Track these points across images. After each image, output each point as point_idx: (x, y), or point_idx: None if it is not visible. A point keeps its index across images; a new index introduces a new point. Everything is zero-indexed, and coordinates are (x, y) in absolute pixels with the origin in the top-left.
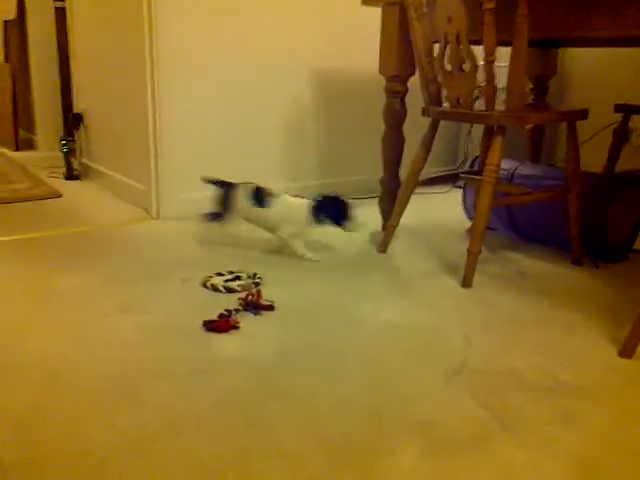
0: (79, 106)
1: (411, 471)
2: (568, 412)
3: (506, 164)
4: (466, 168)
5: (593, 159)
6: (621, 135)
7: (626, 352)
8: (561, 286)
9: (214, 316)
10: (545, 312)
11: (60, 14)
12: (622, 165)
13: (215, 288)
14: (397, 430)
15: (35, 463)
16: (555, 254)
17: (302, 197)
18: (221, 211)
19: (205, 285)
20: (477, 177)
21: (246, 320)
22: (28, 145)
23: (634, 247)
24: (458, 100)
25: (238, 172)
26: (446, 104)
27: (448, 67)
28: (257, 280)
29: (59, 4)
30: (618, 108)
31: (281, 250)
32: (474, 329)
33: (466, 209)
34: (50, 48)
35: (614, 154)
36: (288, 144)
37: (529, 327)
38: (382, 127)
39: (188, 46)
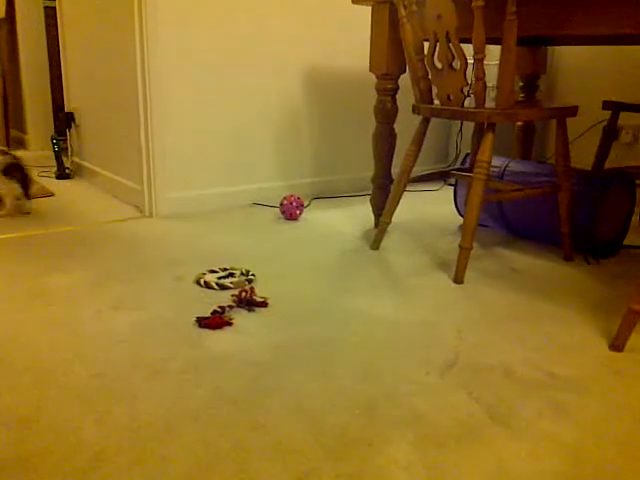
0: (70, 105)
1: (404, 464)
2: (559, 405)
3: (497, 161)
4: (457, 165)
5: (583, 156)
6: (610, 132)
7: (616, 346)
8: (552, 282)
9: (207, 313)
10: (536, 307)
11: (50, 13)
12: (611, 162)
13: (208, 285)
14: (390, 423)
15: (29, 460)
16: (546, 250)
17: None
18: None
19: (198, 282)
20: (468, 174)
21: (239, 316)
22: (19, 144)
23: (624, 243)
24: (448, 98)
25: (230, 170)
26: (437, 102)
27: (438, 65)
28: (250, 277)
29: (49, 3)
30: (606, 105)
31: None
32: (466, 324)
33: (458, 206)
34: (40, 47)
35: (603, 151)
36: (281, 143)
37: (521, 322)
38: (374, 125)
39: (180, 45)
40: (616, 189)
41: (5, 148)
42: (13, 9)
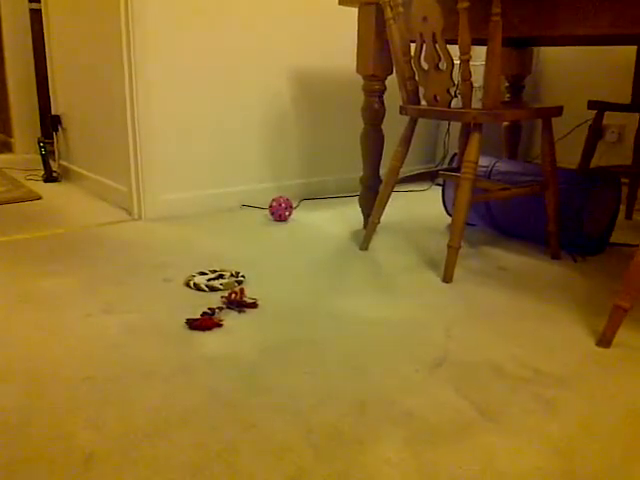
0: (57, 108)
1: (395, 461)
2: (548, 401)
3: (484, 161)
4: (445, 165)
5: (569, 155)
6: (595, 132)
7: (604, 342)
8: (540, 279)
9: (197, 315)
10: (524, 305)
11: (35, 16)
12: (597, 161)
13: (198, 287)
14: (380, 422)
15: (20, 464)
16: (533, 249)
17: None
18: None
19: (188, 284)
20: (456, 174)
21: (229, 318)
22: (5, 148)
23: (610, 241)
24: (435, 98)
25: (219, 171)
26: (424, 102)
27: (425, 66)
28: (240, 278)
29: (34, 6)
30: (591, 105)
31: None
32: (455, 322)
33: (446, 206)
34: (26, 50)
35: (589, 150)
36: (269, 144)
37: (509, 319)
38: (362, 126)
39: (167, 47)
40: (602, 188)
41: None
42: None
